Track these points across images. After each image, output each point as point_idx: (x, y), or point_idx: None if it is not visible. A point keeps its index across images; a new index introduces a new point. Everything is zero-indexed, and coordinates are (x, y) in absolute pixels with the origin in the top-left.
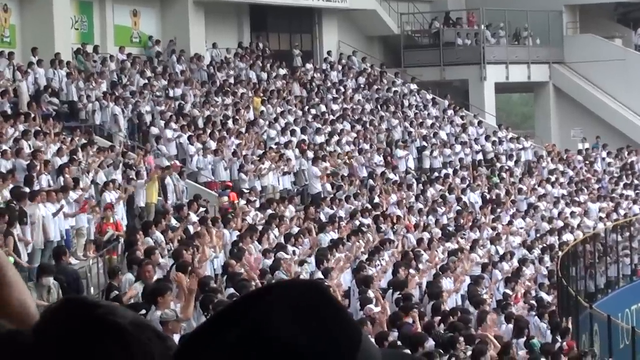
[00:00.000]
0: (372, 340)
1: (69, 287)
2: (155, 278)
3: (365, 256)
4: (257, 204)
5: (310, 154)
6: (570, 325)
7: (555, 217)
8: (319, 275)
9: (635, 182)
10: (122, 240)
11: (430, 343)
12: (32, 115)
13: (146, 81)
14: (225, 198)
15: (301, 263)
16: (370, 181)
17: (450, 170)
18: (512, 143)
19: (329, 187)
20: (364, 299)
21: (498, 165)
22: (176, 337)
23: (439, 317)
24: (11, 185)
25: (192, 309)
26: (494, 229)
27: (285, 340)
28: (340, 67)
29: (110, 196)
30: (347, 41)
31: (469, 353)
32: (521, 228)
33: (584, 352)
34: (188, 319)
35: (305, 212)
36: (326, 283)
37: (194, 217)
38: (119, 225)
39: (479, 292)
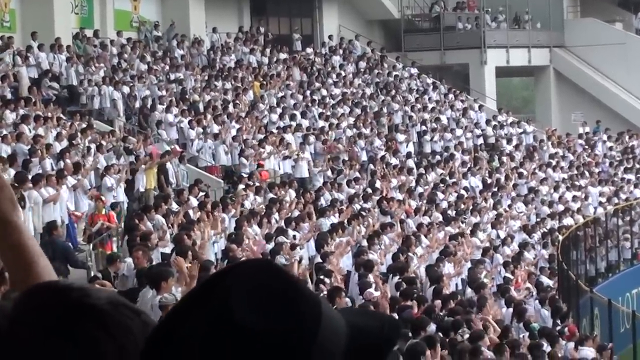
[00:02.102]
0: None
1: (56, 259)
2: (154, 263)
3: (366, 241)
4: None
5: (311, 139)
6: (564, 307)
7: (555, 202)
8: (318, 259)
9: (637, 166)
10: (115, 230)
11: (431, 327)
12: (33, 100)
13: (147, 66)
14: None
15: (292, 247)
16: (371, 165)
17: (450, 155)
18: (512, 127)
19: (329, 171)
20: (364, 284)
21: (499, 149)
22: None
23: (440, 301)
24: (12, 170)
25: None
26: (499, 215)
27: (245, 326)
28: (341, 52)
29: (110, 181)
30: (348, 25)
31: (466, 337)
32: (521, 212)
33: (585, 337)
34: None
35: (303, 197)
36: (326, 267)
37: (194, 202)
38: (111, 217)
39: (480, 276)
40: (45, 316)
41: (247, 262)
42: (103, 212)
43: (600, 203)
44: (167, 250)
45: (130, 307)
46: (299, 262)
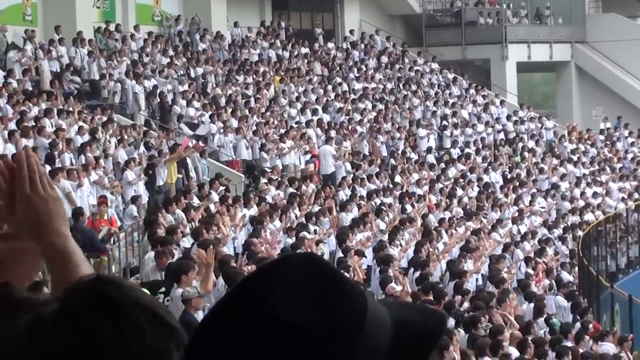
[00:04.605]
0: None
1: (84, 245)
2: (176, 257)
3: (386, 235)
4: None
5: (332, 133)
6: (584, 302)
7: (577, 197)
8: (340, 254)
9: None
10: (120, 236)
11: (450, 322)
12: (55, 93)
13: (168, 60)
14: (312, 166)
15: (317, 243)
16: (392, 160)
17: (476, 150)
18: (533, 123)
19: (348, 166)
20: (385, 278)
21: (520, 144)
22: (200, 314)
23: (460, 297)
24: None
25: (212, 283)
26: (520, 211)
27: (291, 323)
28: (362, 46)
29: (132, 175)
30: (369, 20)
31: (488, 332)
32: (542, 208)
33: (605, 332)
34: (209, 292)
35: (323, 191)
36: (347, 262)
37: (215, 196)
38: (114, 221)
39: (500, 271)
40: (72, 304)
41: (290, 256)
42: (105, 217)
43: (622, 199)
44: (188, 244)
45: (161, 318)
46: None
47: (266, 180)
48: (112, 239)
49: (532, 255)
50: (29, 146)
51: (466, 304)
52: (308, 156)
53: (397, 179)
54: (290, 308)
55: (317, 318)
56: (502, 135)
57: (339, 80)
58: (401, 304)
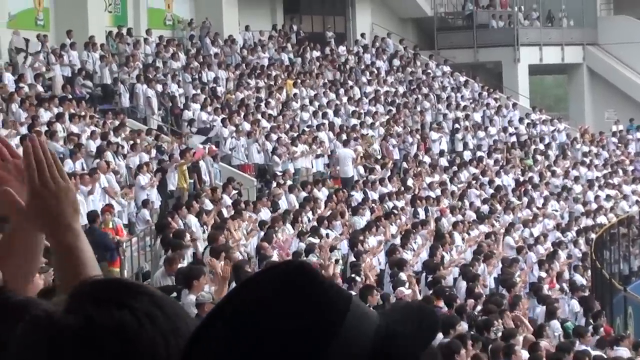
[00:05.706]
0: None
1: (97, 248)
2: (186, 262)
3: (399, 239)
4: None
5: (343, 137)
6: (597, 306)
7: (589, 201)
8: (352, 258)
9: None
10: (132, 240)
11: (463, 326)
12: (69, 97)
13: (182, 64)
14: (337, 168)
15: (332, 249)
16: (404, 164)
17: (488, 153)
18: (545, 125)
19: (361, 169)
20: (396, 282)
21: (532, 147)
22: None
23: (472, 300)
24: None
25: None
26: (534, 215)
27: (265, 328)
28: (374, 50)
29: (144, 179)
30: (381, 23)
31: (499, 334)
32: (555, 211)
33: (620, 336)
34: None
35: (336, 195)
36: (360, 265)
37: (227, 200)
38: (120, 230)
39: (513, 275)
40: (94, 294)
41: (275, 266)
42: (110, 225)
43: (637, 202)
44: (200, 248)
45: (179, 307)
46: (336, 262)
47: (276, 184)
48: (123, 244)
49: (544, 258)
50: (34, 136)
51: (479, 308)
52: (324, 160)
53: (410, 182)
54: (264, 316)
55: (291, 322)
56: (514, 138)
57: (350, 83)
58: (401, 310)
